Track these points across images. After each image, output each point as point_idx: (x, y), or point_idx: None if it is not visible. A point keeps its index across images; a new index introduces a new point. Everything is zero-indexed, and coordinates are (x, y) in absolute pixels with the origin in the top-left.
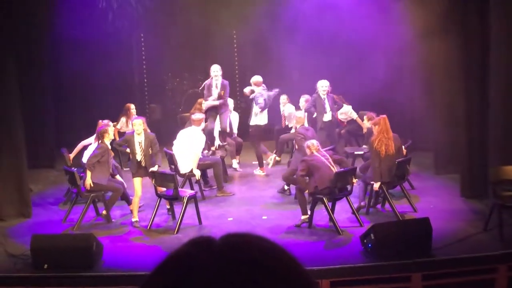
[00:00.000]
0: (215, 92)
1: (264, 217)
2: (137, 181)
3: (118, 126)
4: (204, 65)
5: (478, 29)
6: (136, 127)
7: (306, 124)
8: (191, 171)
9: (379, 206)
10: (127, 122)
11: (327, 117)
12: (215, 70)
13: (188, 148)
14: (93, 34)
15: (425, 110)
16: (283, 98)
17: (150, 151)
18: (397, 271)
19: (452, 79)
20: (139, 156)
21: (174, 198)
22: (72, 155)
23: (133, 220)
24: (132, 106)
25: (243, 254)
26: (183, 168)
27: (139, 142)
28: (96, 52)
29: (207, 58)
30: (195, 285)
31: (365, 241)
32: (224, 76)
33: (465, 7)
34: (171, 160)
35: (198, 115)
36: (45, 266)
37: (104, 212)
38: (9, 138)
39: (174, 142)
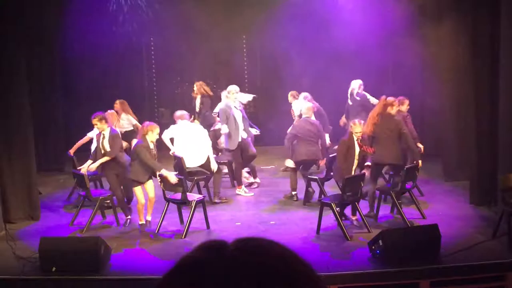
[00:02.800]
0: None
1: (272, 222)
2: (139, 189)
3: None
4: (214, 70)
5: (488, 34)
6: (152, 135)
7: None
8: (198, 171)
9: (388, 213)
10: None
11: None
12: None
13: (197, 143)
14: (103, 36)
15: (434, 116)
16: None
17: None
18: (406, 278)
19: (461, 86)
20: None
21: (182, 203)
22: (75, 148)
23: (140, 223)
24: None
25: (256, 259)
26: (192, 163)
27: (152, 149)
28: (106, 55)
29: (217, 63)
30: None
31: (373, 247)
32: (233, 81)
33: (476, 12)
34: (180, 164)
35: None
36: (53, 269)
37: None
38: (19, 142)
39: (176, 139)
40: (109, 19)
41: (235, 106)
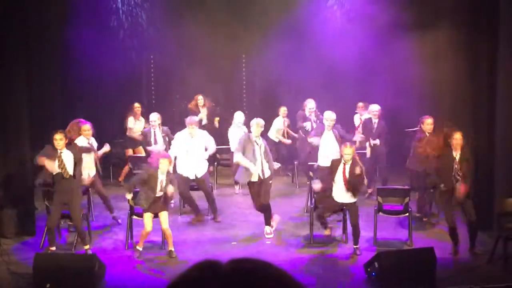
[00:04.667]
0: (159, 138)
1: (268, 242)
2: (148, 217)
3: (130, 126)
4: (212, 89)
5: (486, 56)
6: (163, 166)
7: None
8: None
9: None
10: (134, 120)
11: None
12: (154, 119)
13: (202, 150)
14: (103, 50)
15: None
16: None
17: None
18: None
19: (459, 112)
20: (158, 193)
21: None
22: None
23: (137, 247)
24: (136, 105)
25: (250, 282)
26: (200, 172)
27: (161, 180)
28: (105, 69)
29: (216, 81)
30: None
31: (369, 269)
32: (231, 100)
33: (474, 29)
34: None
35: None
36: (48, 285)
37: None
38: (15, 158)
39: (183, 148)
40: (109, 34)
41: (255, 141)
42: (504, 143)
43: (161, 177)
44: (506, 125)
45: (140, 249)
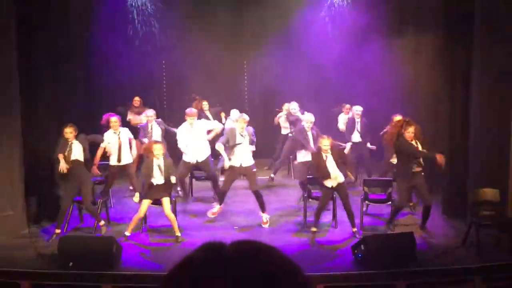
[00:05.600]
0: (156, 130)
1: (266, 226)
2: (146, 203)
3: (130, 117)
4: (217, 91)
5: (462, 59)
6: (156, 151)
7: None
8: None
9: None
10: (134, 113)
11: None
12: (151, 114)
13: (204, 138)
14: (122, 56)
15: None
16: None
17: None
18: (384, 279)
19: (437, 110)
20: (158, 180)
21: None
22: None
23: (126, 233)
24: (136, 98)
25: (252, 262)
26: (201, 157)
27: (158, 165)
28: (123, 73)
29: (221, 84)
30: (209, 287)
31: (355, 251)
32: (235, 101)
33: (450, 35)
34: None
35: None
36: (70, 264)
37: None
38: (45, 152)
39: (187, 134)
40: (127, 42)
41: (240, 134)
42: (477, 139)
43: (157, 163)
44: (480, 123)
45: (128, 234)
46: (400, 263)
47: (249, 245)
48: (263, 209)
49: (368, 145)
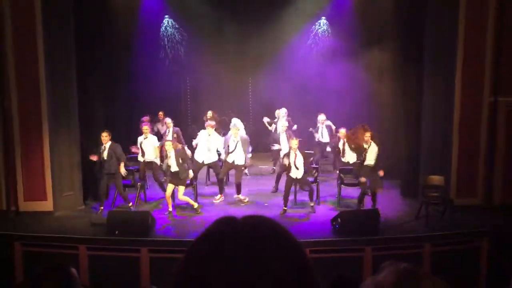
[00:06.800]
0: (170, 135)
1: (265, 204)
2: (170, 187)
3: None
4: (227, 103)
5: (415, 74)
6: (167, 147)
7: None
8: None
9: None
10: (161, 124)
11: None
12: (169, 121)
13: (215, 148)
14: (154, 75)
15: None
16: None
17: (180, 161)
18: (356, 244)
19: (395, 115)
20: (173, 168)
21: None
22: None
23: (169, 209)
24: (160, 113)
25: (260, 231)
26: (208, 160)
27: (170, 157)
28: (156, 88)
29: (230, 97)
30: (225, 254)
31: (334, 223)
32: (241, 111)
33: (404, 54)
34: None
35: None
36: (116, 232)
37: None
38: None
39: (204, 138)
40: (158, 63)
41: (233, 138)
42: (427, 135)
43: (170, 155)
44: (429, 124)
45: (170, 209)
46: (368, 232)
47: (256, 218)
48: (238, 192)
49: (328, 148)
